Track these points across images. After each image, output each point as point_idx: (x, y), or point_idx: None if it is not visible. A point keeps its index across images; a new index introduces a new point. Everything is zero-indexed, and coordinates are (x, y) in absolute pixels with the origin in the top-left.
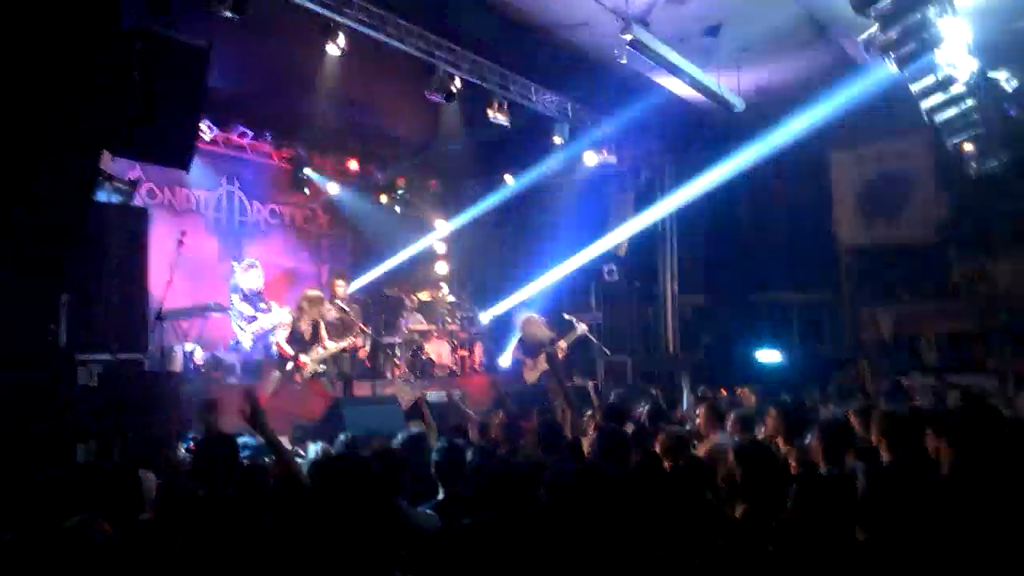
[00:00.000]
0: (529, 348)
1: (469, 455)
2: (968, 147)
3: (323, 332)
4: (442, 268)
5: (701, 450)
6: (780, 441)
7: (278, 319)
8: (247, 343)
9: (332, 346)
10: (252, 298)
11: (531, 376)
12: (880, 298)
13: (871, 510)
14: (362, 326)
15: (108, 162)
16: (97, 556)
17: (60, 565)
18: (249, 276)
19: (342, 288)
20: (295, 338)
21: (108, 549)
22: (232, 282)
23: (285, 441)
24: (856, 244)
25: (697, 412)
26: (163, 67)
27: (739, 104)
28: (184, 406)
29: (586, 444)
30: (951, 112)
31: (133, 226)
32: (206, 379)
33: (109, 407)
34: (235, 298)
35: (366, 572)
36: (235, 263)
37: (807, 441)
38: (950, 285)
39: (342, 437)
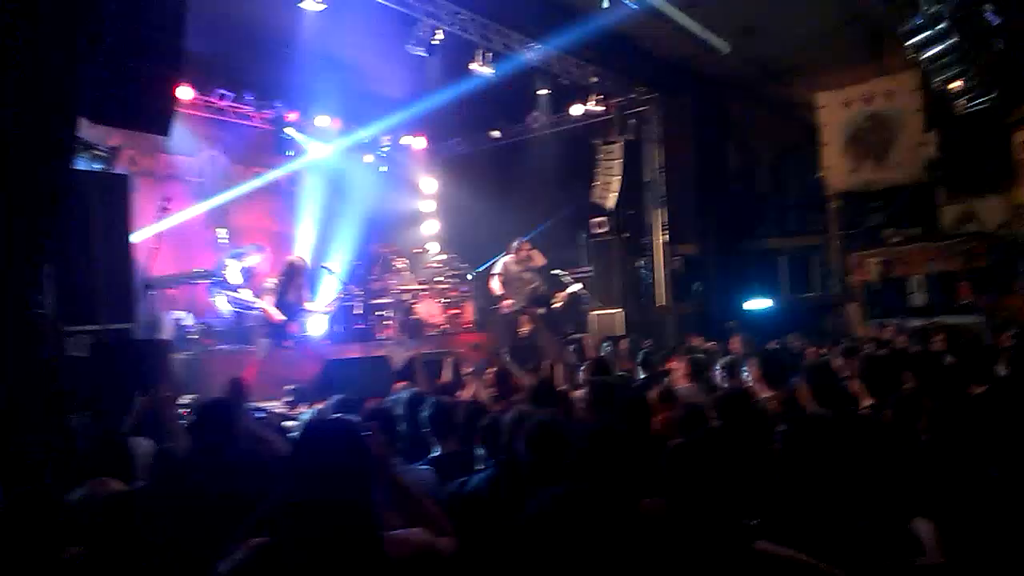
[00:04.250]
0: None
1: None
2: (956, 85)
3: (306, 295)
4: (430, 226)
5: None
6: (764, 387)
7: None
8: (224, 307)
9: (314, 308)
10: (246, 272)
11: (523, 329)
12: (868, 241)
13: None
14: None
15: (86, 129)
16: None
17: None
18: (255, 258)
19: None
20: (283, 303)
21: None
22: (235, 250)
23: (279, 405)
24: (844, 188)
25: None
26: (137, 26)
27: (725, 47)
28: (177, 372)
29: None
30: (938, 49)
31: (115, 193)
32: (198, 346)
33: (101, 377)
34: (232, 263)
35: (356, 531)
36: (237, 246)
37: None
38: (938, 225)
39: (334, 398)
